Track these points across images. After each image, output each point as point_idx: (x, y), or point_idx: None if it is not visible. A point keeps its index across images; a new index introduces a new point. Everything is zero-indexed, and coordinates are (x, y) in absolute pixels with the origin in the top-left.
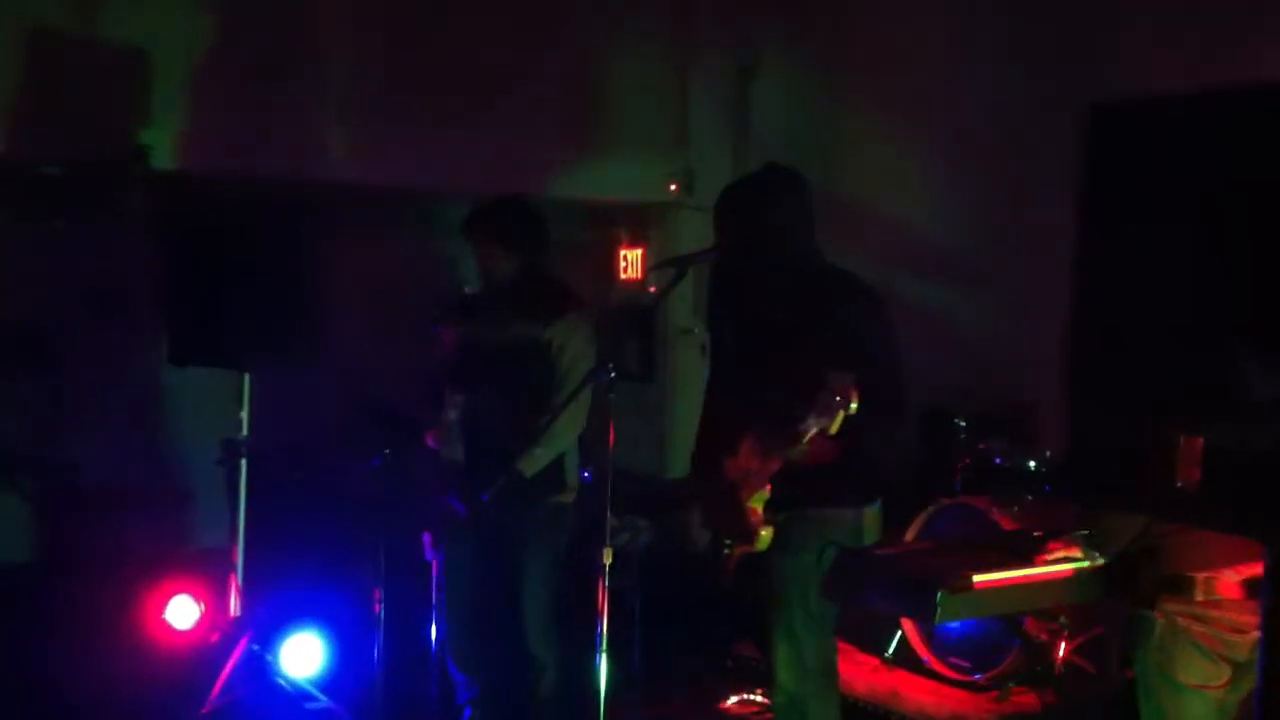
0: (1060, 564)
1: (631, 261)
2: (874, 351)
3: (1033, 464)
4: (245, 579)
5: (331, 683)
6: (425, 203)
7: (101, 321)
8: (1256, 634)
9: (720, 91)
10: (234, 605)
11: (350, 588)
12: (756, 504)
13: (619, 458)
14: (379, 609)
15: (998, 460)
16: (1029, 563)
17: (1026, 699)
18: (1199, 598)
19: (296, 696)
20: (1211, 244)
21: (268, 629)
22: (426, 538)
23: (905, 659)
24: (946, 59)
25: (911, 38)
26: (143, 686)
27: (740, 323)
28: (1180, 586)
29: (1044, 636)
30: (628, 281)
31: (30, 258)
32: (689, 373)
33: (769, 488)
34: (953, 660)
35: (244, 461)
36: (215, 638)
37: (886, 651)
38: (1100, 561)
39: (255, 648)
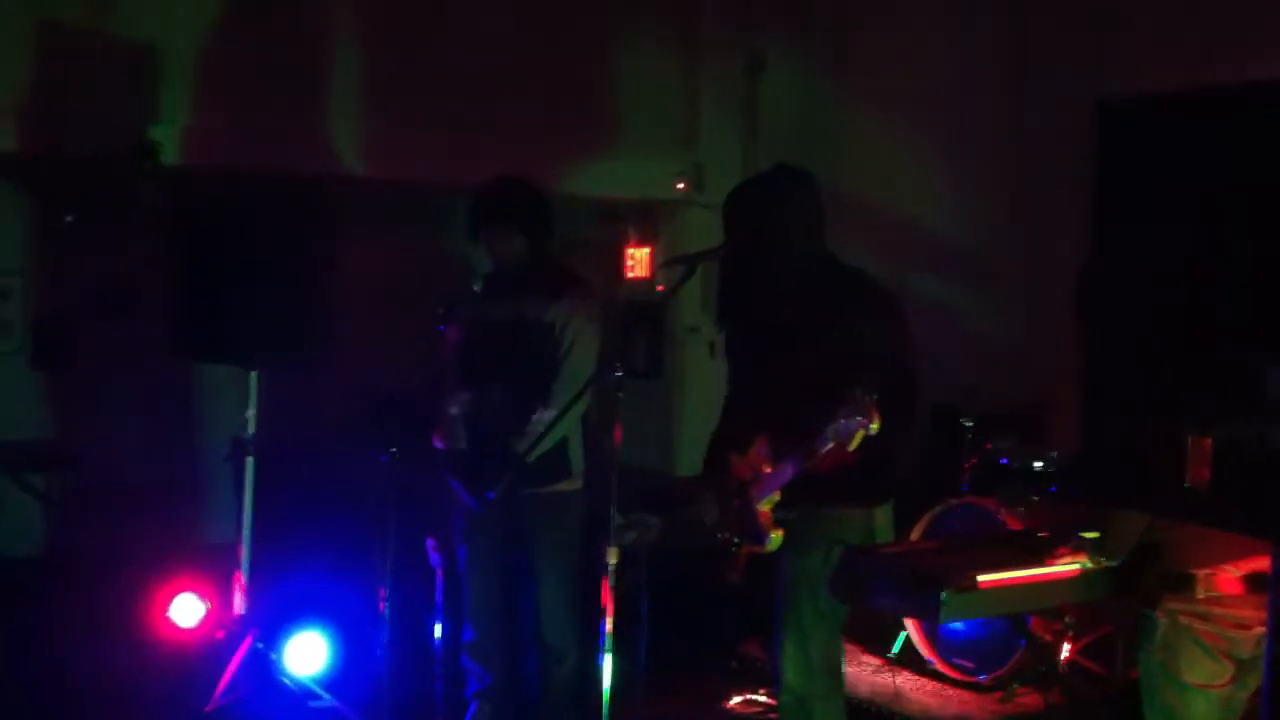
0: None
1: (639, 260)
2: (888, 351)
3: (1040, 464)
4: (250, 576)
5: (336, 681)
6: (433, 199)
7: (109, 317)
8: (1260, 630)
9: (729, 89)
10: (239, 603)
11: (355, 586)
12: (766, 506)
13: (627, 455)
14: (384, 607)
15: (1005, 460)
16: (1034, 563)
17: (1031, 699)
18: (1200, 595)
19: (301, 695)
20: (1220, 242)
21: (272, 627)
22: (430, 544)
23: (909, 659)
24: (954, 57)
25: (919, 35)
26: (147, 683)
27: (751, 323)
28: (1181, 584)
29: (1049, 637)
30: (635, 279)
31: (39, 253)
32: (696, 370)
33: (779, 493)
34: (957, 660)
35: (250, 459)
36: (220, 635)
37: (891, 651)
38: (1106, 564)
39: (260, 646)
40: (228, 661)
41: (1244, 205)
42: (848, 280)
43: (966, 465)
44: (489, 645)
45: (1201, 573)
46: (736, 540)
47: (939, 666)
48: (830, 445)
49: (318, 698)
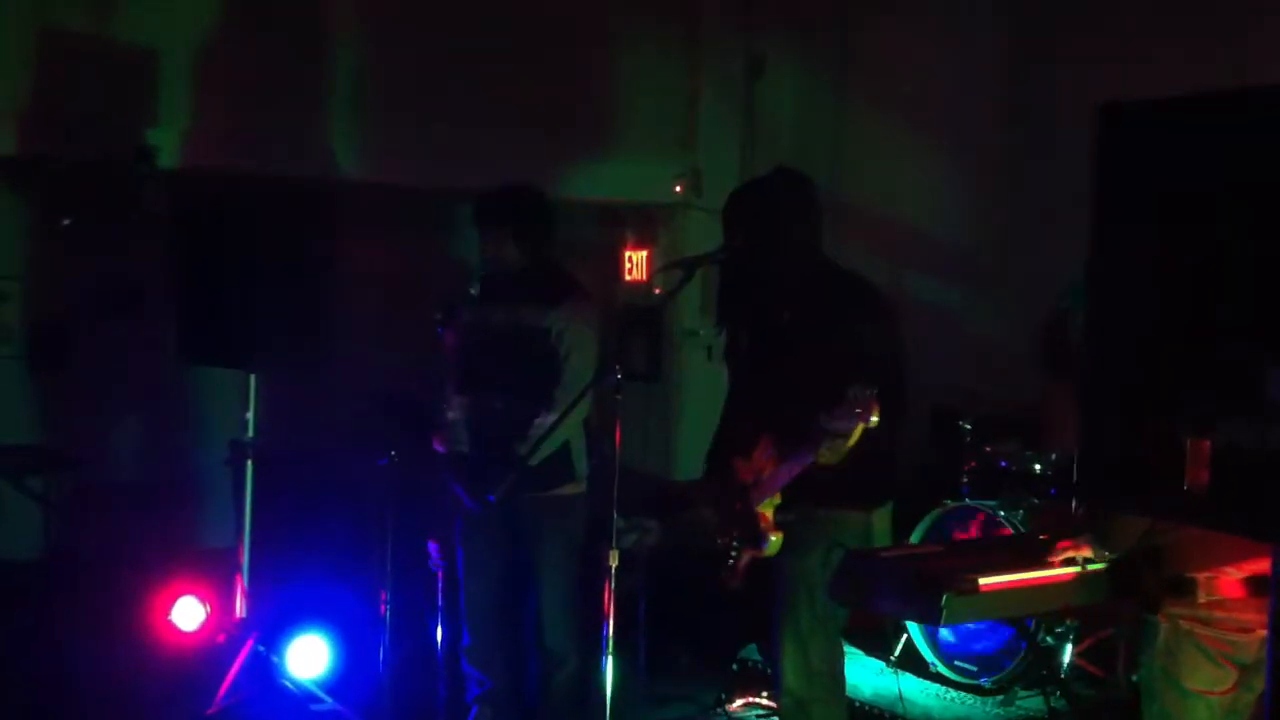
0: (1067, 566)
1: (637, 263)
2: (883, 355)
3: (1039, 467)
4: (251, 580)
5: (337, 684)
6: (433, 202)
7: (110, 320)
8: (1262, 633)
9: (728, 93)
10: (239, 606)
11: (356, 588)
12: (766, 509)
13: (626, 459)
14: (385, 610)
15: (1004, 463)
16: (1035, 565)
17: (1033, 703)
18: (1201, 599)
19: (302, 698)
20: (1220, 244)
21: (273, 630)
22: (432, 547)
23: (911, 662)
24: (954, 60)
25: (919, 38)
26: (148, 687)
27: (750, 325)
28: (1181, 589)
29: (1051, 640)
30: (633, 283)
31: (39, 256)
32: (695, 374)
33: (779, 495)
34: (959, 664)
35: (250, 462)
36: (221, 639)
37: (892, 654)
38: (1110, 557)
39: (261, 649)
40: (229, 665)
41: (1245, 207)
42: (845, 283)
43: (966, 468)
44: (487, 649)
45: (1202, 576)
46: (736, 544)
47: (941, 669)
48: (832, 440)
49: (319, 700)
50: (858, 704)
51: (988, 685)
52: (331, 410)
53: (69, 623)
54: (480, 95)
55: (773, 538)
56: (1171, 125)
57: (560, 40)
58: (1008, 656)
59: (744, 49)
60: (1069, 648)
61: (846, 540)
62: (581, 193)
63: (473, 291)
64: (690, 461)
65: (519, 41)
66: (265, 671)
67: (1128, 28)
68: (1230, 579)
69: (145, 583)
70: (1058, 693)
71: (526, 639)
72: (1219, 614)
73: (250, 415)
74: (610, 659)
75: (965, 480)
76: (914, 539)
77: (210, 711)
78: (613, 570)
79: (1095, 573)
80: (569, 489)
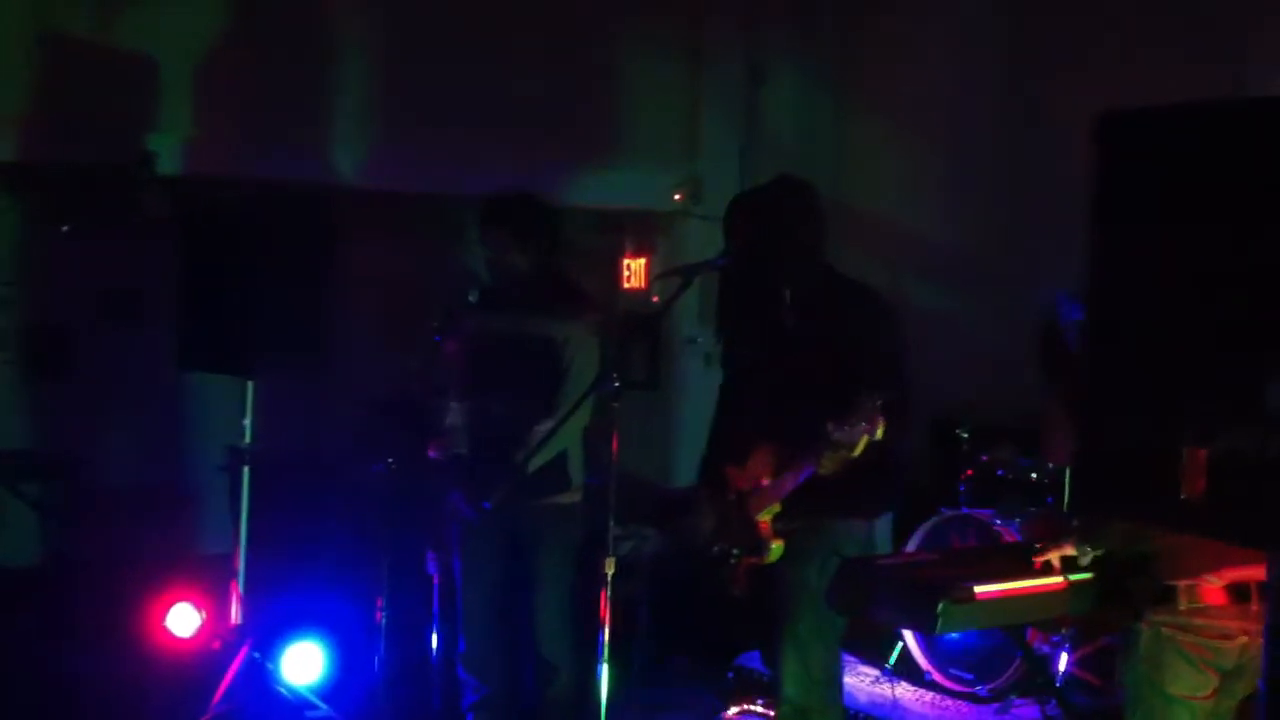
0: (1046, 570)
1: (635, 271)
2: (888, 363)
3: (1035, 475)
4: (246, 586)
5: (332, 691)
6: (433, 208)
7: (108, 326)
8: (1244, 639)
9: (729, 101)
10: (235, 613)
11: (352, 595)
12: (766, 517)
13: (624, 466)
14: (380, 617)
15: (1001, 471)
16: (1031, 574)
17: (1028, 711)
18: (1183, 606)
19: (297, 705)
20: (1220, 255)
21: (269, 636)
22: (430, 555)
23: (908, 670)
24: (954, 67)
25: (920, 46)
26: (143, 693)
27: (751, 333)
28: (1164, 596)
29: (1046, 649)
30: (631, 290)
31: (38, 262)
32: (693, 381)
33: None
34: (954, 672)
35: (247, 468)
36: (216, 645)
37: (888, 663)
38: (1092, 554)
39: (256, 655)
40: (224, 671)
41: (1243, 216)
42: (848, 290)
43: (963, 476)
44: (483, 656)
45: (1184, 584)
46: (735, 552)
47: (936, 678)
48: (837, 451)
49: (314, 707)
50: (854, 713)
51: (984, 694)
52: (329, 416)
53: (64, 628)
54: (481, 101)
55: (773, 545)
56: (1170, 133)
57: (561, 47)
58: (1003, 665)
59: (744, 56)
60: (1065, 656)
61: (847, 549)
62: (581, 199)
63: (471, 298)
64: (688, 469)
65: (520, 48)
66: (260, 678)
67: (1127, 35)
68: (1211, 586)
69: (141, 588)
70: (1054, 702)
71: (523, 646)
72: (1200, 621)
73: (247, 421)
74: (606, 667)
75: (962, 488)
76: (911, 547)
77: (205, 718)
78: (609, 578)
79: (1090, 581)
80: (565, 497)
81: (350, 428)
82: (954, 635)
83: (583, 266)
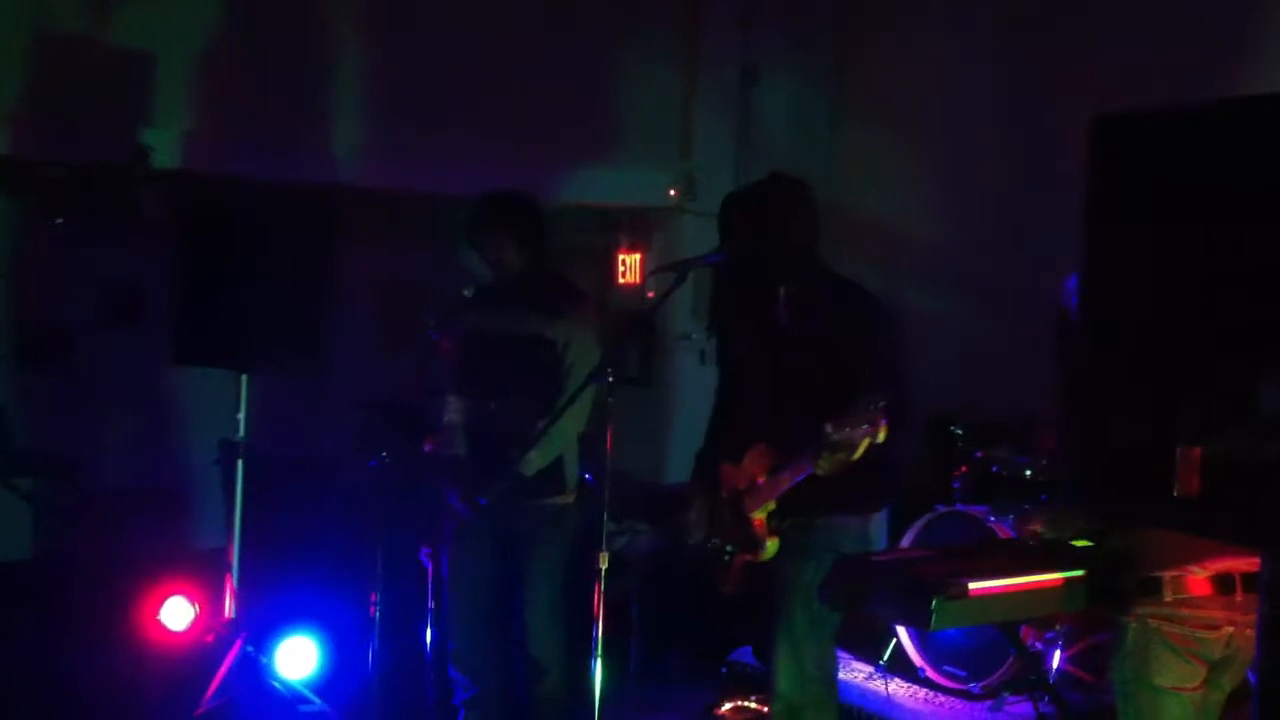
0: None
1: (630, 266)
2: (886, 363)
3: (1030, 473)
4: (240, 580)
5: (326, 685)
6: (430, 206)
7: (103, 322)
8: (1230, 629)
9: (724, 99)
10: (229, 607)
11: (346, 590)
12: (760, 514)
13: (618, 462)
14: (374, 611)
15: (995, 469)
16: (1025, 570)
17: (1022, 708)
18: (1168, 598)
19: (291, 699)
20: (1215, 256)
21: (263, 631)
22: (423, 549)
23: (900, 667)
24: (949, 68)
25: (914, 47)
26: (138, 687)
27: (744, 331)
28: (1149, 588)
29: (1040, 646)
30: (626, 286)
31: (34, 258)
32: (688, 378)
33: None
34: (948, 669)
35: (241, 462)
36: (210, 639)
37: (882, 659)
38: (1062, 536)
39: (250, 650)
40: (218, 665)
41: (1238, 218)
42: (843, 289)
43: (957, 474)
44: (474, 655)
45: (1169, 575)
46: (730, 549)
47: (930, 675)
48: (836, 453)
49: (308, 702)
50: (846, 708)
51: (977, 691)
52: (323, 411)
53: (59, 622)
54: (476, 100)
55: (768, 543)
56: (1165, 136)
57: (556, 46)
58: (997, 661)
59: (739, 56)
60: (1058, 653)
61: (844, 546)
62: (576, 196)
63: (466, 294)
64: (682, 465)
65: (515, 47)
66: (254, 672)
67: (1122, 38)
68: (1196, 577)
69: (135, 582)
70: (1047, 698)
71: (514, 645)
72: (1185, 612)
73: (241, 416)
74: (599, 662)
75: (957, 485)
76: (905, 543)
77: (199, 712)
78: (602, 573)
79: (1083, 577)
80: (559, 499)
81: (344, 422)
82: (948, 632)
83: (578, 262)
